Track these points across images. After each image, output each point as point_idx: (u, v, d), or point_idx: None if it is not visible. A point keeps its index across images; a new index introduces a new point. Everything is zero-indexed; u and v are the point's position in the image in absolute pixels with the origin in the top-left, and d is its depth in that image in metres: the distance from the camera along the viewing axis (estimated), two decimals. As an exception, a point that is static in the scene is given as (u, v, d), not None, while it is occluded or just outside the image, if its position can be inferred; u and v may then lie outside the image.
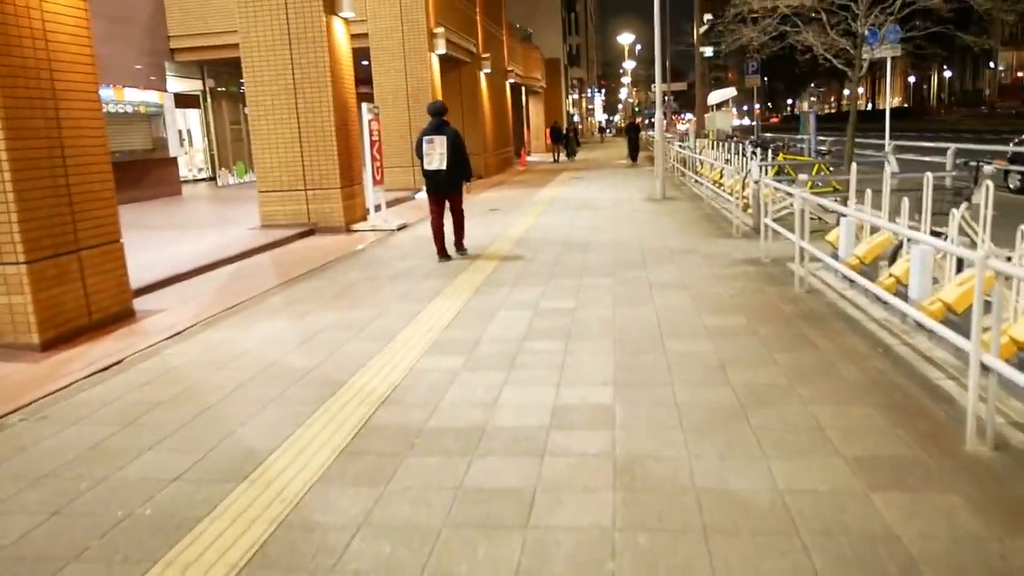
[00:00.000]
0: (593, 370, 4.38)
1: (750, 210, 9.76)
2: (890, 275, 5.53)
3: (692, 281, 6.70)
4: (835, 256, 6.45)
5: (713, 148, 17.28)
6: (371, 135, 10.85)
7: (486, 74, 21.97)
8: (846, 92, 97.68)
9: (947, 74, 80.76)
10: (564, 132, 31.35)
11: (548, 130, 32.92)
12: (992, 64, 71.86)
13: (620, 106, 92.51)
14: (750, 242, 8.65)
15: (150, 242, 9.94)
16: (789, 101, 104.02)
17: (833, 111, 79.46)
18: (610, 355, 4.67)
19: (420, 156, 7.97)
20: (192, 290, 7.19)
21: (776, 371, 4.22)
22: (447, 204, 8.23)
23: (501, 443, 3.41)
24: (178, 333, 5.61)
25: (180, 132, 20.27)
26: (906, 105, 72.52)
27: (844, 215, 6.24)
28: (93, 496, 3.06)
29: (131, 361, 4.97)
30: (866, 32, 9.57)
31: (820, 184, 10.72)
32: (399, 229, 11.04)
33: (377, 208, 11.42)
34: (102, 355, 5.10)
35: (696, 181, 16.22)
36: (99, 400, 4.23)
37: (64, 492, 3.11)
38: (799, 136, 24.21)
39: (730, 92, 21.17)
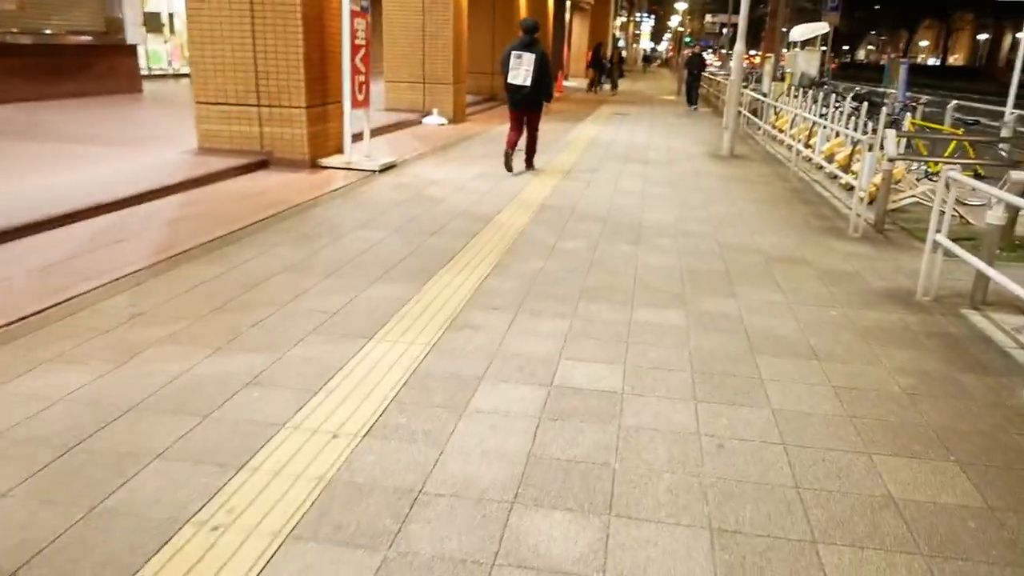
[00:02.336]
0: None
1: (864, 192, 6.83)
2: None
3: (821, 340, 3.94)
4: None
5: (790, 95, 14.05)
6: (354, 37, 7.90)
7: (525, -20, 18.51)
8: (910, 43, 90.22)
9: (1021, 35, 73.91)
10: (607, 58, 27.56)
11: (589, 53, 29.09)
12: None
13: (668, 34, 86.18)
14: (879, 250, 5.83)
15: (39, 162, 7.24)
16: (845, 47, 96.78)
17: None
18: (704, 589, 2.03)
19: (504, 70, 8.09)
20: (8, 265, 4.53)
21: None
22: (525, 121, 8.42)
23: None
24: None
25: (160, 15, 17.24)
26: (976, 65, 66.03)
27: None
28: None
29: None
30: None
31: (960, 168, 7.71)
32: (383, 170, 8.25)
33: (357, 137, 8.58)
34: None
35: (769, 135, 13.14)
36: None
37: None
38: (879, 89, 20.71)
39: (822, 27, 17.20)
